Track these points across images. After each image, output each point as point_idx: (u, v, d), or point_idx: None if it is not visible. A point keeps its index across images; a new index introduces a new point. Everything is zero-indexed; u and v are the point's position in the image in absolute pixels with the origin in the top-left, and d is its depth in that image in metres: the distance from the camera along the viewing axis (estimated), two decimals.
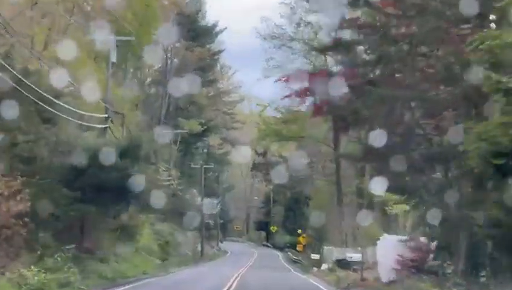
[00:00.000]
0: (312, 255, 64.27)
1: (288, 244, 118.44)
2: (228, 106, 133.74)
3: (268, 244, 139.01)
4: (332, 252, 59.89)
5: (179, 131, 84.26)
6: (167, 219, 68.83)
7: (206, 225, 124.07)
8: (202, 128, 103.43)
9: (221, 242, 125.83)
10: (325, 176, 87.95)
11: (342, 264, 50.93)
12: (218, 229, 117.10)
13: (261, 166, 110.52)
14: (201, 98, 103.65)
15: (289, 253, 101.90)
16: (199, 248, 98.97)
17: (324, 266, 56.24)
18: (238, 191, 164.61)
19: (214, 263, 71.90)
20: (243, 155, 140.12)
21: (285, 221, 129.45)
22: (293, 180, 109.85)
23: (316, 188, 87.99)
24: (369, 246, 48.50)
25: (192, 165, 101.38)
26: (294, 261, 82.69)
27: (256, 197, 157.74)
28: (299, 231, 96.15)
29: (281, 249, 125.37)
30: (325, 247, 63.43)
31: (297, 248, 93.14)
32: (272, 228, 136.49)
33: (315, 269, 59.78)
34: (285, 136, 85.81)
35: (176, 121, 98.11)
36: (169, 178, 79.53)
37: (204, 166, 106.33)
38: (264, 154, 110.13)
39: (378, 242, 43.13)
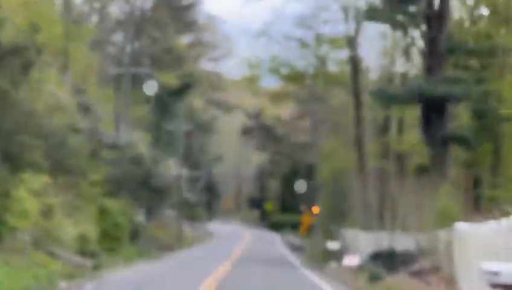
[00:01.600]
0: (329, 243, 44.44)
1: (287, 225, 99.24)
2: (214, 62, 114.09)
3: (263, 225, 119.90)
4: (358, 238, 40.42)
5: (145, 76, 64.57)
6: (123, 194, 49.44)
7: (187, 203, 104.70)
8: (181, 84, 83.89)
9: (208, 223, 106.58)
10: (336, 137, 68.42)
11: (387, 258, 31.14)
12: (203, 207, 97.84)
13: (254, 131, 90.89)
14: (179, 46, 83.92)
15: (289, 237, 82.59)
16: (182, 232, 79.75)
17: (350, 260, 36.62)
18: (228, 163, 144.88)
19: (189, 254, 52.51)
20: (233, 121, 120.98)
21: (283, 197, 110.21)
22: (293, 147, 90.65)
23: (324, 153, 68.43)
24: (431, 231, 29.17)
25: (169, 128, 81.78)
26: (298, 249, 63.40)
27: (248, 170, 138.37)
28: (303, 208, 76.52)
29: (278, 230, 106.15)
30: (346, 231, 43.84)
31: (300, 231, 73.86)
32: (267, 205, 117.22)
33: (333, 264, 40.14)
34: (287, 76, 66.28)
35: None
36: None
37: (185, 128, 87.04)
38: (257, 116, 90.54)
39: (458, 227, 23.77)
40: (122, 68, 64.23)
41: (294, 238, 77.81)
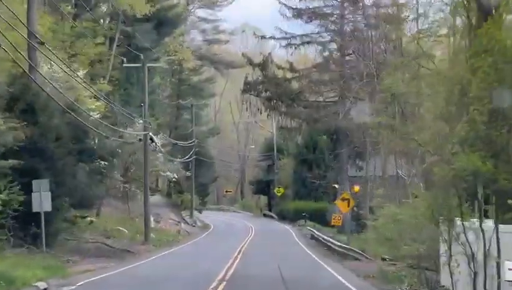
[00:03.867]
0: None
1: (305, 214, 74.63)
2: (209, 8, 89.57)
3: (272, 215, 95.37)
4: None
5: None
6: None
7: (176, 187, 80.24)
8: (157, 18, 59.41)
9: (200, 212, 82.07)
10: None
11: None
12: (193, 192, 73.26)
13: (259, 86, 66.18)
14: None
15: (313, 231, 58.03)
16: (157, 224, 55.66)
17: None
18: (229, 140, 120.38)
19: (138, 270, 28.01)
20: (234, 88, 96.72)
21: (298, 179, 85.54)
22: (313, 108, 66.06)
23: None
24: None
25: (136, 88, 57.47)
26: (344, 255, 38.55)
27: (252, 146, 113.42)
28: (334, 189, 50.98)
29: (291, 220, 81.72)
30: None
31: (332, 222, 48.93)
32: (276, 190, 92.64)
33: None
34: None
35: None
36: None
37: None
38: (263, 65, 65.71)
39: None
40: None
41: (320, 232, 53.48)
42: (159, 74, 74.09)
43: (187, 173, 69.71)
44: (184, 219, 72.56)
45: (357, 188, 49.17)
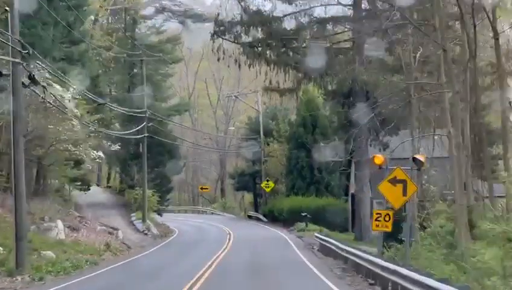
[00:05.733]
0: None
1: (306, 215, 52.99)
2: None
3: (259, 216, 73.47)
4: None
5: None
6: None
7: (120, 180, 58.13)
8: None
9: (160, 215, 59.95)
10: None
11: None
12: (145, 186, 50.75)
13: (236, 27, 44.45)
14: None
15: (324, 238, 36.17)
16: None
17: None
18: (205, 124, 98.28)
19: None
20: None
21: (294, 169, 64.15)
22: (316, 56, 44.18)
23: None
24: None
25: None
26: None
27: (232, 127, 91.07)
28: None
29: (284, 223, 60.32)
30: None
31: (374, 227, 26.02)
32: (264, 184, 70.95)
33: None
34: None
35: None
36: None
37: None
38: None
39: None
40: None
41: (334, 240, 31.71)
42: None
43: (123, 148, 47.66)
44: (133, 224, 50.77)
45: (380, 158, 26.06)
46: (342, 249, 29.38)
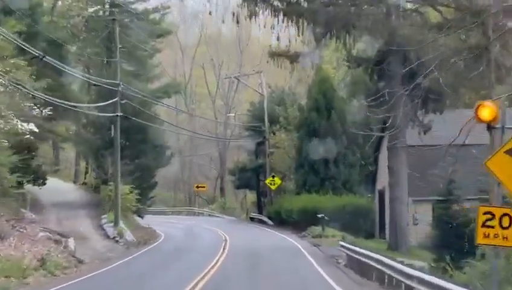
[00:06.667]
0: None
1: (323, 216, 41.89)
2: None
3: (263, 218, 62.15)
4: None
5: None
6: None
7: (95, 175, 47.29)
8: None
9: (141, 216, 48.72)
10: None
11: None
12: (117, 179, 39.41)
13: None
14: None
15: (352, 248, 25.14)
16: None
17: None
18: (202, 115, 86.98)
19: None
20: None
21: (304, 162, 53.47)
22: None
23: None
24: None
25: None
26: None
27: (232, 114, 79.57)
28: None
29: (293, 228, 49.47)
30: None
31: (480, 237, 14.68)
32: (269, 181, 59.95)
33: None
34: None
35: None
36: None
37: None
38: None
39: None
40: None
41: (370, 252, 20.96)
42: None
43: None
44: (103, 228, 39.73)
45: (490, 108, 14.79)
46: (398, 271, 18.31)
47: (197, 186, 78.55)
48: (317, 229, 42.04)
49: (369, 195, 46.54)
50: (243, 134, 69.67)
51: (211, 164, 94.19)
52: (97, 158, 46.88)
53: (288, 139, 58.90)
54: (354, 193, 51.09)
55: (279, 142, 59.87)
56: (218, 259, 29.79)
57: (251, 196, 76.43)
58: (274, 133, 60.53)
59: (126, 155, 46.43)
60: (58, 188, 54.73)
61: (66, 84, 43.77)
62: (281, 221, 55.58)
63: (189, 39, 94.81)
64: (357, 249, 25.65)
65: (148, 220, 53.13)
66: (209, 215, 78.07)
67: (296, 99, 63.30)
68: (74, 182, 62.83)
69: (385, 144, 42.23)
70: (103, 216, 41.83)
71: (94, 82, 38.35)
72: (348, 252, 27.49)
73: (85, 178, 59.47)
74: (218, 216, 75.73)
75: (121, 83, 39.55)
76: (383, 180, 43.32)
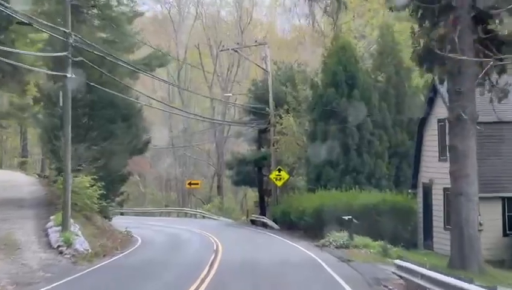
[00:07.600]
0: None
1: (350, 218, 30.79)
2: None
3: (267, 221, 50.81)
4: None
5: None
6: None
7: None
8: None
9: (109, 219, 37.59)
10: None
11: None
12: (68, 167, 28.74)
13: None
14: None
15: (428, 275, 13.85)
16: None
17: None
18: (199, 102, 75.67)
19: None
20: None
21: (318, 152, 42.60)
22: None
23: None
24: None
25: None
26: None
27: (229, 94, 68.03)
28: None
29: (307, 233, 38.57)
30: None
31: None
32: (274, 175, 48.95)
33: None
34: None
35: None
36: None
37: None
38: None
39: None
40: None
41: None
42: None
43: None
44: (47, 234, 28.67)
45: None
46: None
47: (190, 183, 67.56)
48: (341, 236, 30.91)
49: (409, 191, 35.25)
50: (243, 119, 58.49)
51: (208, 160, 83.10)
52: (50, 141, 35.68)
53: (298, 124, 47.90)
54: (380, 189, 40.22)
55: (287, 128, 48.74)
56: (201, 283, 18.83)
57: (253, 195, 65.26)
58: (281, 117, 49.40)
59: (90, 138, 35.65)
60: (10, 182, 44.14)
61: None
62: (289, 224, 44.49)
63: (184, 21, 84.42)
64: (436, 275, 14.67)
65: (133, 223, 42.78)
66: (203, 217, 66.91)
67: (306, 78, 52.15)
68: (39, 175, 52.06)
69: (433, 120, 31.46)
70: (50, 217, 30.74)
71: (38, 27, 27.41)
72: (412, 278, 16.54)
73: (46, 169, 48.59)
74: (213, 218, 64.62)
75: (73, 33, 28.61)
76: (429, 170, 32.33)
